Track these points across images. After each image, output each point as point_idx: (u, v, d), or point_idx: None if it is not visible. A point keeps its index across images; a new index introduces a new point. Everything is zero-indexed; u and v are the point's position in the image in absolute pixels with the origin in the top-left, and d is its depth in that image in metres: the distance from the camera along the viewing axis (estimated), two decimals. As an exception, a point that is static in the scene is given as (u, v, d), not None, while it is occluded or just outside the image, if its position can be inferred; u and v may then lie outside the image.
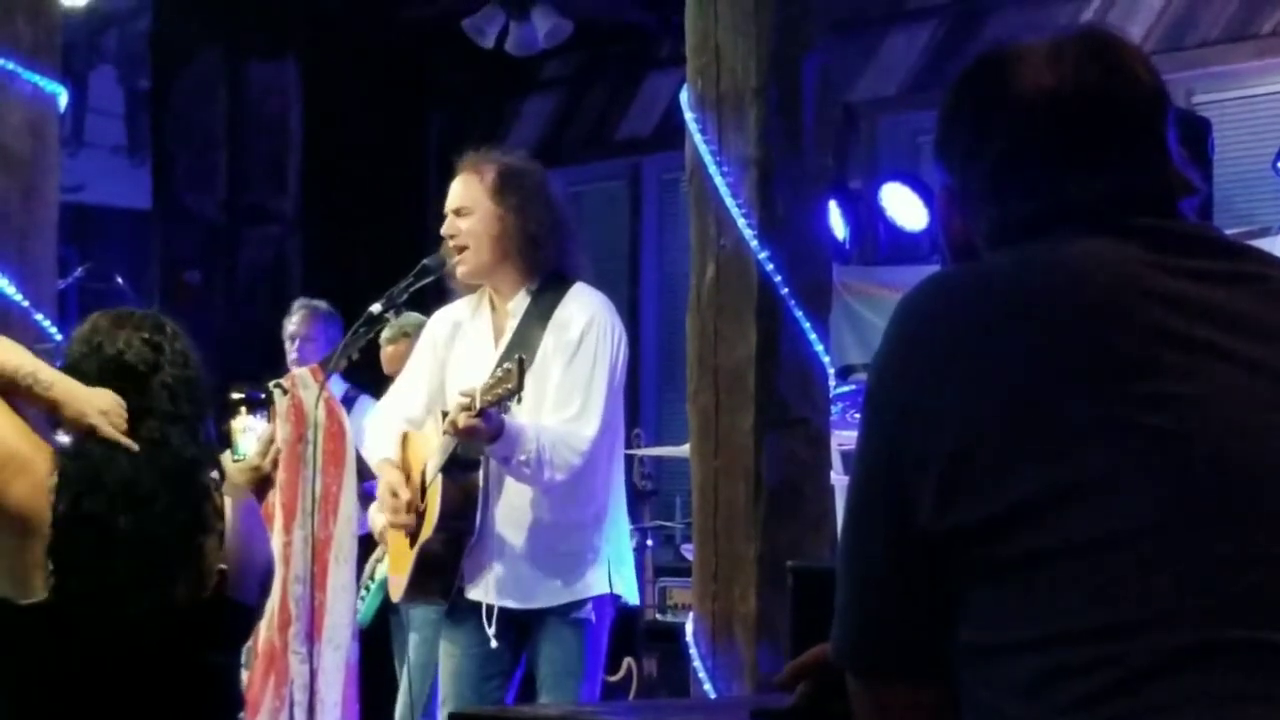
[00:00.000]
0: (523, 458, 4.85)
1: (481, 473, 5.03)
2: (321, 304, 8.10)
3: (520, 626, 5.06)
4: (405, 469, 5.16)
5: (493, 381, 4.77)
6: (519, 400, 4.87)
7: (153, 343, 3.72)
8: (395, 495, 5.08)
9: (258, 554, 3.82)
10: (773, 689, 2.80)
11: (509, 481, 5.01)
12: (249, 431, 4.39)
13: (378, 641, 6.93)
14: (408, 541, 5.13)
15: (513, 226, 5.08)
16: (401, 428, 5.22)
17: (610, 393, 5.03)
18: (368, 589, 6.84)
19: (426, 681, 5.96)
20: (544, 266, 5.12)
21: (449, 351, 5.21)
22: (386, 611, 6.84)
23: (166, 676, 3.65)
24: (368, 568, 6.81)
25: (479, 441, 4.89)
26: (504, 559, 5.02)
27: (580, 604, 5.04)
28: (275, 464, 4.30)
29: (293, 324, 8.08)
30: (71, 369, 3.72)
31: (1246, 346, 1.88)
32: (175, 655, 3.65)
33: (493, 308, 5.19)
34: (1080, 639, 1.79)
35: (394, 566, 5.37)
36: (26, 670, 3.57)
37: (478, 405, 4.75)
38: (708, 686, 4.85)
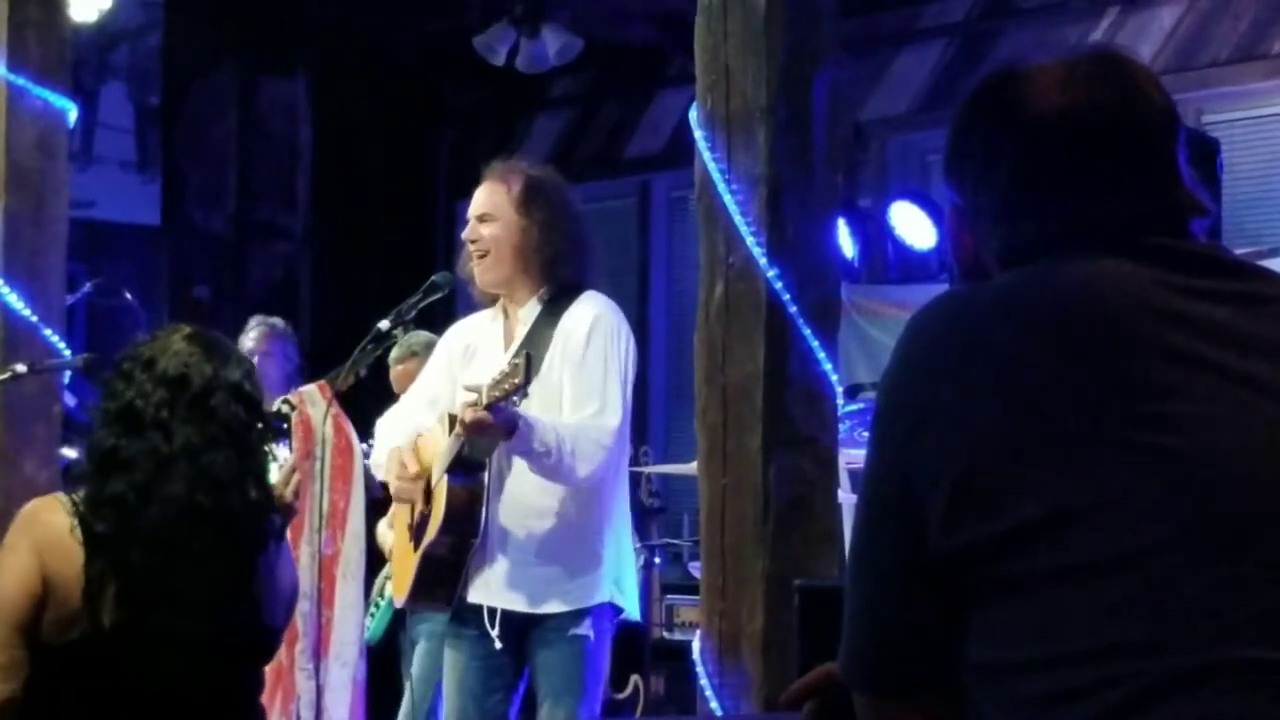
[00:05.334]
0: (542, 449, 4.84)
1: (485, 475, 5.03)
2: (278, 321, 8.09)
3: (522, 634, 5.05)
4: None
5: (499, 377, 4.77)
6: (526, 394, 4.88)
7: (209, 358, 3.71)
8: (403, 465, 5.08)
9: (285, 578, 3.84)
10: (780, 707, 2.79)
11: (513, 483, 5.00)
12: (272, 460, 4.39)
13: (386, 659, 6.92)
14: (412, 545, 5.13)
15: (535, 239, 5.10)
16: (412, 434, 5.22)
17: (624, 390, 5.04)
18: (377, 606, 6.83)
19: (428, 692, 5.96)
20: (560, 279, 5.14)
21: (463, 364, 5.22)
22: (395, 629, 6.83)
23: (202, 701, 3.67)
24: (377, 584, 6.80)
25: (489, 438, 4.88)
26: (506, 561, 5.01)
27: (581, 614, 5.02)
28: (297, 493, 4.30)
29: (250, 340, 8.05)
30: (124, 376, 3.69)
31: (1257, 367, 1.87)
32: (211, 680, 3.67)
33: (505, 316, 5.21)
34: (1089, 658, 1.78)
35: (398, 570, 5.37)
36: (63, 708, 3.59)
37: (484, 400, 4.76)
38: (715, 704, 4.84)
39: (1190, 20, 8.54)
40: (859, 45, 9.00)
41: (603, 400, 4.99)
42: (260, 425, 3.76)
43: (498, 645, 5.02)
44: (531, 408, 4.97)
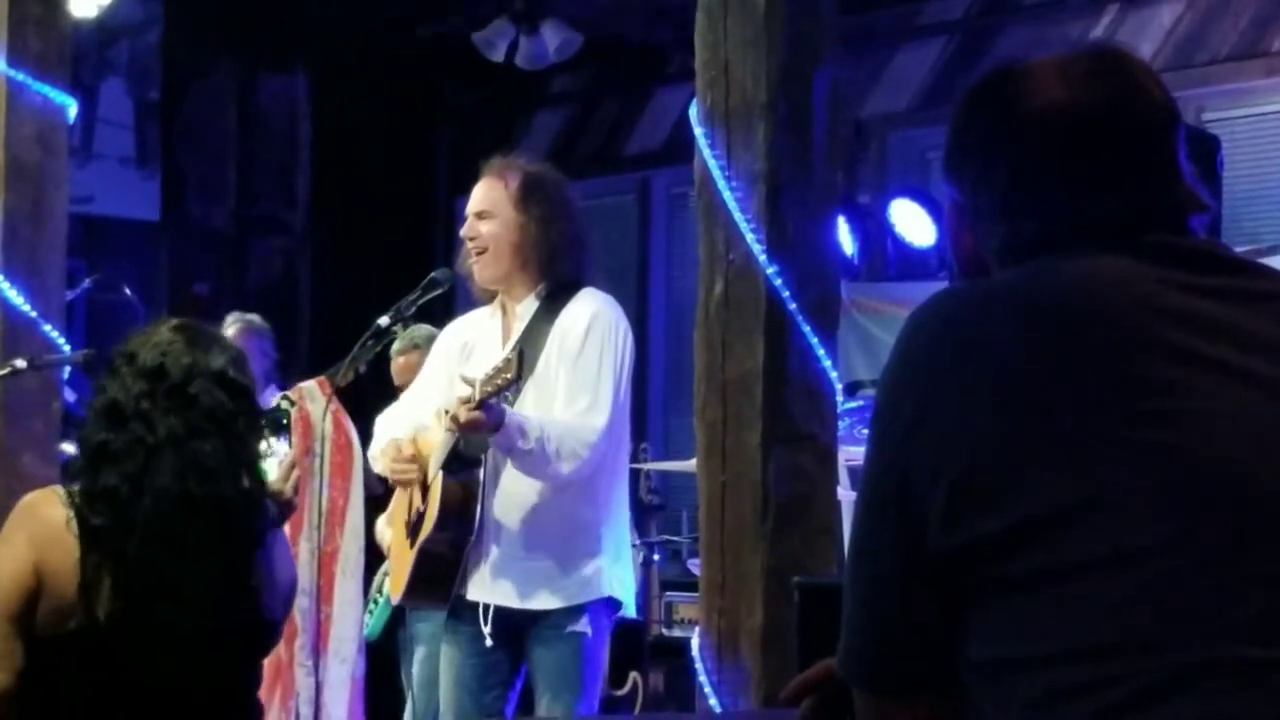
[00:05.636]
0: (525, 447, 4.84)
1: (481, 470, 5.03)
2: (255, 317, 8.13)
3: (518, 630, 5.05)
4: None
5: (492, 373, 4.78)
6: (519, 390, 4.87)
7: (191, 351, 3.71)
8: (399, 449, 5.08)
9: (283, 571, 3.85)
10: (779, 704, 2.79)
11: (508, 479, 5.00)
12: (271, 455, 4.40)
13: (385, 656, 6.93)
14: (408, 542, 5.13)
15: (534, 236, 5.10)
16: (410, 430, 5.22)
17: (618, 388, 5.03)
18: (375, 602, 6.83)
19: (431, 697, 5.96)
20: (558, 276, 5.14)
21: (461, 361, 5.22)
22: (394, 626, 6.83)
23: (199, 695, 3.68)
24: (376, 581, 6.80)
25: (481, 434, 4.89)
26: (502, 557, 5.01)
27: (577, 611, 5.02)
28: (297, 489, 4.30)
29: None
30: (111, 371, 3.70)
31: (1257, 364, 1.87)
32: (209, 673, 3.68)
33: (504, 312, 5.21)
34: (1090, 656, 1.78)
35: (395, 567, 5.37)
36: (59, 701, 3.59)
37: (476, 396, 4.76)
38: (714, 701, 4.83)
39: (1190, 18, 8.54)
40: (859, 42, 9.00)
41: (593, 397, 4.99)
42: (249, 412, 3.76)
43: (489, 643, 5.02)
44: (526, 405, 4.98)
